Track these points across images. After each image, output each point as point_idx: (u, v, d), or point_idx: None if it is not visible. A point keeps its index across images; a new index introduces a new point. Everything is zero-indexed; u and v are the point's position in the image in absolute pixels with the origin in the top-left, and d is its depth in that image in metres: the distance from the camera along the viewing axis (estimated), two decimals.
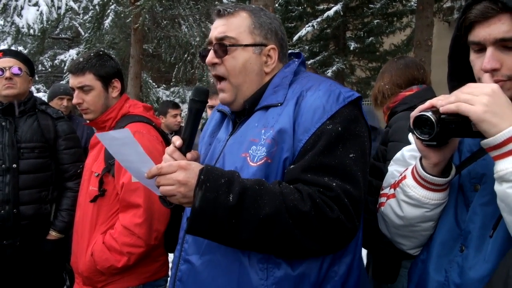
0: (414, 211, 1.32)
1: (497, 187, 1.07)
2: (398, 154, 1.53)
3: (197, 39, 10.58)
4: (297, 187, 1.30)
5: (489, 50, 1.15)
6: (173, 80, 13.03)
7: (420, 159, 1.30)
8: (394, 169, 1.51)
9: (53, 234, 2.76)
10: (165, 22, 11.69)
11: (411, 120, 1.21)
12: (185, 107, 10.29)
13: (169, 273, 2.22)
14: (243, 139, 1.43)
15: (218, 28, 1.49)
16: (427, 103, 1.21)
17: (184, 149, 1.37)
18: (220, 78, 1.51)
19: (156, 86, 13.67)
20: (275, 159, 1.35)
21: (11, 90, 2.68)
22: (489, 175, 1.10)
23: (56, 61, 13.87)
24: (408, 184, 1.32)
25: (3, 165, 2.63)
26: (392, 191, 1.41)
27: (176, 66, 12.30)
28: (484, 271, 1.14)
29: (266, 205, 1.24)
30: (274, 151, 1.34)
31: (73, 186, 2.80)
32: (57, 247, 2.79)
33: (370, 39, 13.56)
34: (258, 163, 1.35)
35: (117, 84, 2.30)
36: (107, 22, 10.27)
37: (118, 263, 2.03)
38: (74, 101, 2.27)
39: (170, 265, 2.11)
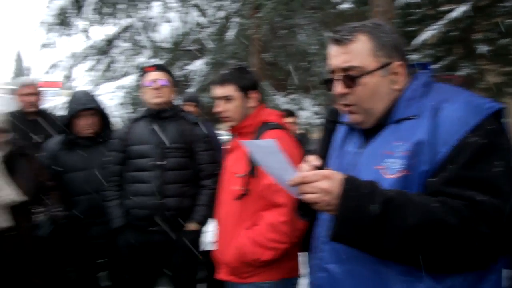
0: None
1: None
2: None
3: (317, 46, 10.71)
4: (440, 200, 1.25)
5: None
6: (292, 87, 13.32)
7: None
8: None
9: (192, 226, 3.09)
10: (282, 31, 12.04)
11: None
12: (303, 115, 10.52)
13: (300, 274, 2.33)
14: (376, 152, 1.42)
15: (340, 57, 1.45)
16: None
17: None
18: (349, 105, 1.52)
19: (273, 94, 14.10)
20: (413, 171, 1.32)
21: (159, 98, 3.11)
22: None
23: (184, 71, 15.15)
24: None
25: (154, 162, 3.04)
26: None
27: (294, 74, 12.56)
28: None
29: (410, 215, 1.23)
30: (411, 163, 1.32)
31: (209, 184, 3.10)
32: (196, 237, 3.14)
33: (503, 40, 12.35)
34: (395, 176, 1.34)
35: (254, 95, 2.50)
36: (229, 34, 10.94)
37: (263, 257, 2.22)
38: (217, 109, 2.52)
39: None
